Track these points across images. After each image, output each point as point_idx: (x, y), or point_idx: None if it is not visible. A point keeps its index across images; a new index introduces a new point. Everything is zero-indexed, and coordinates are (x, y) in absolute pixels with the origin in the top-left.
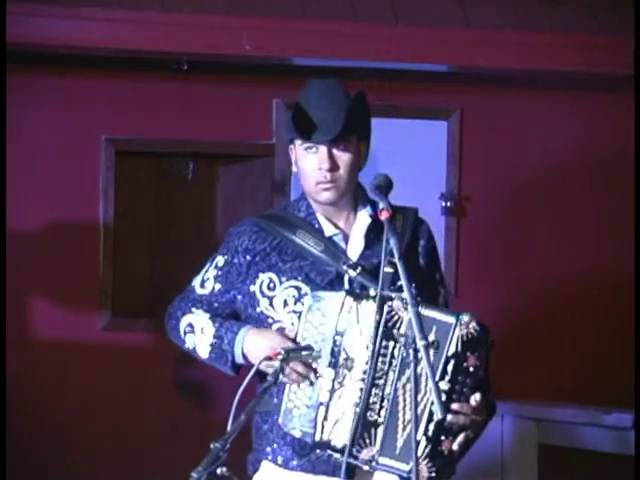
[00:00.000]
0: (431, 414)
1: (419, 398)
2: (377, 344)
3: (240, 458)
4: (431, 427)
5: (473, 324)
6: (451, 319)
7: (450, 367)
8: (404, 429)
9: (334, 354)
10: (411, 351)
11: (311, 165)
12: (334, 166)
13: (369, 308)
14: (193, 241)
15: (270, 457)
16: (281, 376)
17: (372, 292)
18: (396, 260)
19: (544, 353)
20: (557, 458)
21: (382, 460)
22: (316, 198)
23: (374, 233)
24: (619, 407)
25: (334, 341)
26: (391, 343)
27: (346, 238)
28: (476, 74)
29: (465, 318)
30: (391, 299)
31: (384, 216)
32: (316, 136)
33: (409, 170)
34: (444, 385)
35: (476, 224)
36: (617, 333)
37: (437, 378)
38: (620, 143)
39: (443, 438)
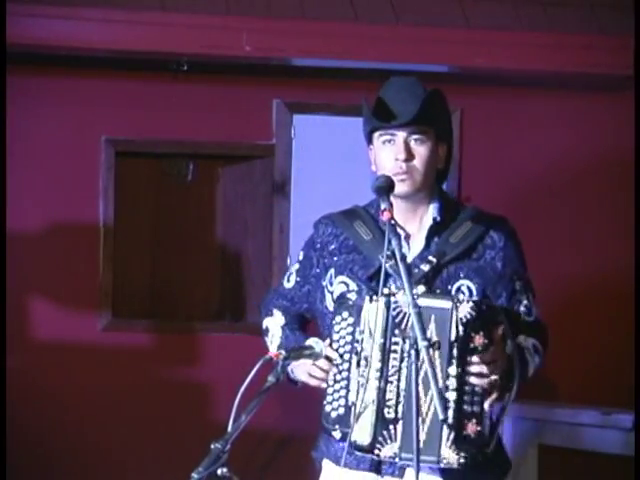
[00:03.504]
0: (447, 402)
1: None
2: (387, 341)
3: (239, 457)
4: (450, 414)
5: (469, 304)
6: (447, 304)
7: (455, 351)
8: (424, 422)
9: (358, 353)
10: (413, 352)
11: (388, 157)
12: (410, 157)
13: (380, 306)
14: (193, 241)
15: (326, 455)
16: (281, 377)
17: (385, 290)
18: (398, 260)
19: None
20: (557, 459)
21: (405, 455)
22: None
23: (438, 234)
24: (619, 408)
25: (357, 341)
26: (400, 339)
27: (408, 237)
28: (476, 74)
29: (461, 297)
30: (394, 295)
31: (385, 217)
32: (392, 122)
33: None
34: (453, 370)
35: None
36: (617, 333)
37: (445, 364)
38: (620, 143)
39: (466, 422)
